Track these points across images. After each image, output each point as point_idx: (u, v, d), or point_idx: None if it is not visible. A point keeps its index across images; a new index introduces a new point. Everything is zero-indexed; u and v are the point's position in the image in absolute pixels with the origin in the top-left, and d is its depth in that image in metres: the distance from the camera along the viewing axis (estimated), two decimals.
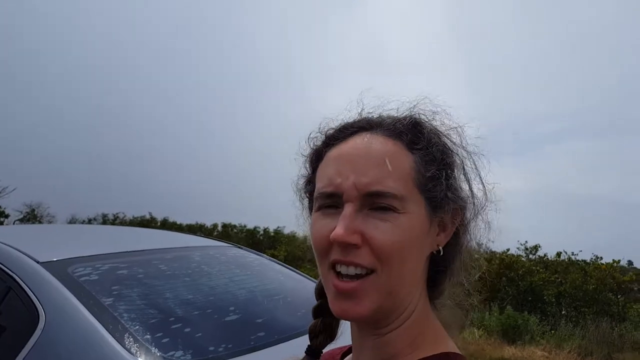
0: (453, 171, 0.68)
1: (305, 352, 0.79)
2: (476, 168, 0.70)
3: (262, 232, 19.87)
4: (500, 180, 0.71)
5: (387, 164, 0.63)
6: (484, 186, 0.70)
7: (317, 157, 0.73)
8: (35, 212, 22.41)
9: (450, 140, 0.70)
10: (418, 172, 0.65)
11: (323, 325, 0.79)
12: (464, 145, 0.71)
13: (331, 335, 0.80)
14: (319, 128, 0.75)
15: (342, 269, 0.63)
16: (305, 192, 0.77)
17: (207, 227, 21.11)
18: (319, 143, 0.74)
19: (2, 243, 1.98)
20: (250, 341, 1.73)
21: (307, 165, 0.76)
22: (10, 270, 1.80)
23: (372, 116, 0.72)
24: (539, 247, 11.19)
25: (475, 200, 0.70)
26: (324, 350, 0.80)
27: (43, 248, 1.98)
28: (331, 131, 0.73)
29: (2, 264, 1.84)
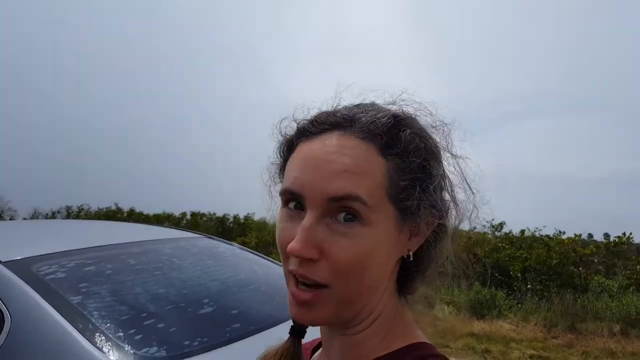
0: (431, 179, 0.63)
1: (290, 332, 0.75)
2: (462, 172, 0.67)
3: (232, 220, 19.72)
4: (470, 162, 0.67)
5: (356, 171, 0.59)
6: (472, 192, 0.67)
7: (288, 147, 0.69)
8: None
9: (433, 143, 0.65)
10: (390, 181, 0.60)
11: None
12: (448, 147, 0.67)
13: None
14: (293, 115, 0.71)
15: (299, 278, 0.61)
16: (278, 179, 0.73)
17: (175, 216, 20.80)
18: (291, 133, 0.70)
19: None
20: (226, 333, 1.71)
21: (278, 154, 0.72)
22: None
23: (347, 112, 0.65)
24: (504, 224, 11.50)
25: (458, 208, 0.67)
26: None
27: (4, 246, 1.92)
28: (304, 123, 0.68)
29: None
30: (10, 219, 19.73)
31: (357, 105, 0.68)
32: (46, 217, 20.71)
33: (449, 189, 0.67)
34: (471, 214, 0.68)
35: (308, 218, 0.60)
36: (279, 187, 0.72)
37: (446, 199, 0.66)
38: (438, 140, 0.66)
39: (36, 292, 1.59)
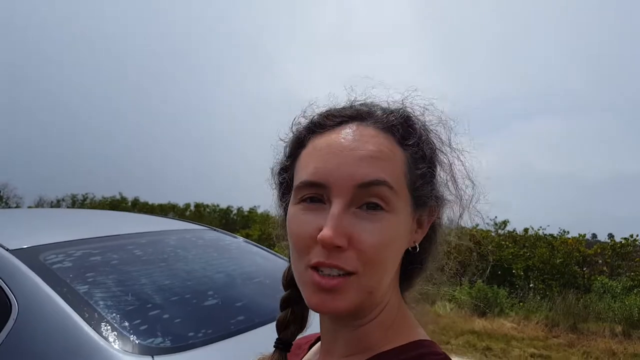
0: (437, 171, 0.67)
1: (275, 345, 0.75)
2: (464, 167, 0.69)
3: (235, 212, 19.75)
4: (474, 159, 0.70)
5: (380, 157, 0.61)
6: (473, 185, 0.69)
7: (298, 143, 0.68)
8: (1, 194, 21.78)
9: (439, 137, 0.68)
10: (409, 169, 0.63)
11: (293, 316, 0.76)
12: (451, 143, 0.69)
13: (302, 326, 0.77)
14: (304, 113, 0.71)
15: (325, 271, 0.59)
16: (279, 179, 0.73)
17: (179, 207, 20.86)
18: (301, 128, 0.69)
19: None
20: (230, 325, 1.72)
21: (286, 151, 0.71)
22: None
23: (362, 106, 0.68)
24: (508, 222, 11.46)
25: (462, 200, 0.69)
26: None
27: (12, 235, 1.92)
28: (317, 117, 0.68)
29: None
30: (15, 207, 19.84)
31: (371, 101, 0.69)
32: (51, 205, 20.81)
33: (452, 182, 0.68)
34: (471, 208, 0.70)
35: (336, 206, 0.59)
36: (277, 190, 0.74)
37: (447, 192, 0.68)
38: (442, 135, 0.69)
39: (43, 280, 1.61)
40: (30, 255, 1.75)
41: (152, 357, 1.38)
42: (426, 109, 0.68)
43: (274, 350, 0.75)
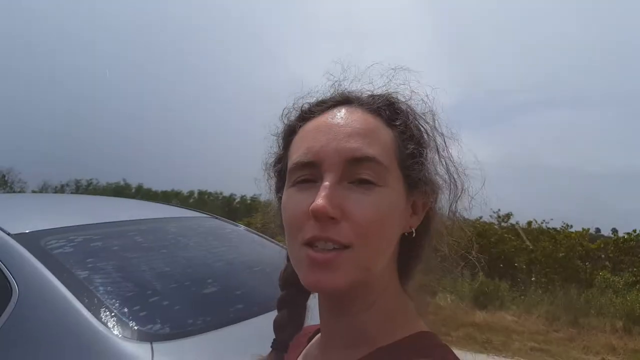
0: (427, 153, 0.66)
1: (272, 346, 0.75)
2: (450, 155, 0.69)
3: (238, 200, 19.80)
4: (472, 151, 0.70)
5: (368, 134, 0.62)
6: (458, 173, 0.69)
7: (290, 132, 0.70)
8: (6, 178, 21.91)
9: (426, 122, 0.69)
10: (398, 146, 0.64)
11: (289, 317, 0.75)
12: (439, 128, 0.69)
13: (299, 327, 0.76)
14: (293, 104, 0.72)
15: (320, 245, 0.59)
16: (273, 171, 0.74)
17: (183, 194, 20.94)
18: (292, 118, 0.71)
19: None
20: (230, 313, 1.73)
21: (279, 142, 0.72)
22: None
23: (350, 92, 0.70)
24: (511, 215, 11.43)
25: (452, 186, 0.68)
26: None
27: (14, 219, 1.92)
28: (307, 105, 0.70)
29: None
30: (19, 191, 19.94)
31: (357, 89, 0.71)
32: (55, 190, 20.91)
33: (443, 168, 0.68)
34: (465, 197, 0.69)
35: (327, 179, 0.60)
36: (273, 181, 0.74)
37: (439, 178, 0.68)
38: (429, 120, 0.69)
39: (44, 265, 1.61)
40: (32, 240, 1.75)
41: (151, 344, 1.38)
42: (413, 95, 0.69)
43: (271, 351, 0.75)
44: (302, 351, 0.78)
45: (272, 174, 0.74)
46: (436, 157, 0.68)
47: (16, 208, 2.50)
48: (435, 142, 0.68)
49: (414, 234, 0.66)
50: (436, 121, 0.69)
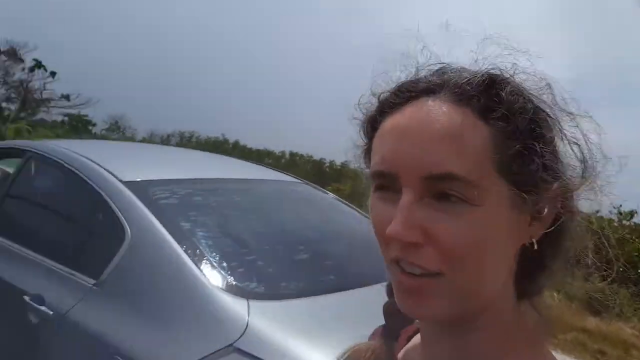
0: (547, 144, 0.52)
1: (382, 333, 0.70)
2: (586, 137, 0.55)
3: (328, 164, 20.01)
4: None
5: (449, 141, 0.50)
6: (591, 153, 0.55)
7: (371, 126, 0.60)
8: (119, 124, 23.81)
9: (542, 100, 0.54)
10: (496, 148, 0.51)
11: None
12: (560, 104, 0.55)
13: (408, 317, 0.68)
14: (371, 90, 0.62)
15: (406, 267, 0.52)
16: (365, 164, 0.64)
17: (275, 153, 21.53)
18: (372, 110, 0.61)
19: (88, 159, 2.07)
20: (321, 283, 1.74)
21: (362, 135, 0.63)
22: (97, 186, 1.89)
23: (433, 76, 0.57)
24: (635, 213, 10.10)
25: (586, 174, 0.55)
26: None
27: (125, 168, 2.04)
28: (385, 94, 0.59)
29: (90, 180, 1.94)
30: (130, 137, 21.56)
31: (443, 68, 0.58)
32: (161, 139, 22.34)
33: (573, 157, 0.55)
34: (600, 189, 0.56)
35: (405, 196, 0.51)
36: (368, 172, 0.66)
37: (567, 171, 0.54)
38: (546, 96, 0.55)
39: (152, 213, 1.71)
40: (141, 189, 1.86)
41: (247, 301, 1.41)
42: (517, 69, 0.55)
43: (378, 339, 0.70)
44: (401, 349, 0.74)
45: (363, 164, 0.66)
46: (561, 143, 0.54)
47: (125, 156, 2.68)
48: (560, 126, 0.54)
49: (535, 247, 0.55)
50: (558, 97, 0.55)
